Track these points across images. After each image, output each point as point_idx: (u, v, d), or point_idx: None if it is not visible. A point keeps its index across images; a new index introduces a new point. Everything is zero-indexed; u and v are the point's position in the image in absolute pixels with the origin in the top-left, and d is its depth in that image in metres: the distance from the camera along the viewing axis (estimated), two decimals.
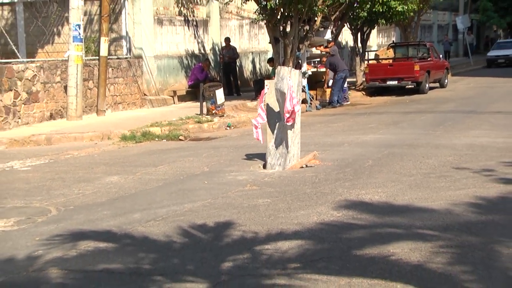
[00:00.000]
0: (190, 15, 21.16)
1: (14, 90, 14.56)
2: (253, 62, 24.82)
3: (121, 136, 13.08)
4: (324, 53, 20.14)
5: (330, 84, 19.23)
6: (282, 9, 17.99)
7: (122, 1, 18.57)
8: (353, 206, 6.68)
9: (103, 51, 16.49)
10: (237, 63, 22.43)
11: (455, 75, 29.32)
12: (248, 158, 10.13)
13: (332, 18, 20.59)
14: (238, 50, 22.25)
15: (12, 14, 19.45)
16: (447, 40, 40.23)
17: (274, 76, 9.21)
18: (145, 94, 19.06)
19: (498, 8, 48.14)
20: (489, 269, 4.69)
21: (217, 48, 22.49)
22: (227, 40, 21.70)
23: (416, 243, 5.33)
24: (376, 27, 25.92)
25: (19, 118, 14.70)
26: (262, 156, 9.60)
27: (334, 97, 19.01)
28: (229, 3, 20.01)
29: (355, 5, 20.38)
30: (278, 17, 18.31)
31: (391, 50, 25.62)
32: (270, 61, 20.47)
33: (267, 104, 9.20)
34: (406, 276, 4.58)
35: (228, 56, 21.45)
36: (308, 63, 20.00)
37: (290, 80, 8.86)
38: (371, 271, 4.71)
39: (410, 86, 22.35)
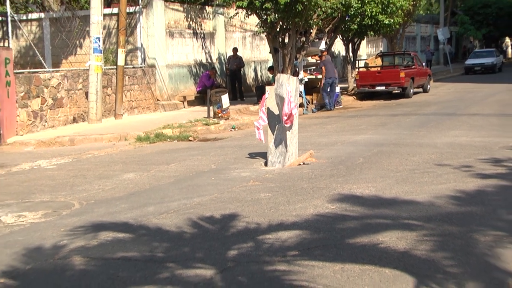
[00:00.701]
0: (198, 28, 21.16)
1: (41, 96, 14.60)
2: (255, 70, 24.80)
3: (136, 137, 13.08)
4: (319, 61, 20.11)
5: (331, 88, 19.17)
6: (281, 23, 18.01)
7: (137, 16, 18.60)
8: (345, 199, 6.68)
9: (120, 61, 16.51)
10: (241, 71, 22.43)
11: (437, 81, 29.28)
12: (251, 156, 10.13)
13: (326, 30, 20.60)
14: None
15: (39, 29, 19.49)
16: (429, 50, 40.20)
17: (274, 83, 9.20)
18: (158, 100, 19.07)
19: (474, 21, 48.35)
20: (468, 255, 4.69)
21: (222, 58, 22.48)
22: (235, 50, 21.70)
23: (402, 232, 5.32)
24: (365, 38, 25.91)
25: (46, 121, 14.72)
26: (263, 155, 9.60)
27: (325, 100, 18.96)
28: (233, 17, 20.04)
29: (346, 18, 20.38)
30: (278, 29, 18.33)
31: (379, 59, 25.63)
32: (270, 69, 20.44)
33: (268, 108, 9.20)
34: (393, 262, 4.58)
35: (236, 64, 21.45)
36: (305, 71, 20.00)
37: (289, 86, 8.86)
38: (362, 257, 4.71)
39: (396, 91, 22.35)
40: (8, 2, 15.41)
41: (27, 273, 4.78)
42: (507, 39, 60.88)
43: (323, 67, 18.99)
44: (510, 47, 62.71)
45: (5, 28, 15.04)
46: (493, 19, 49.08)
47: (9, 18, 14.98)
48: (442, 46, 40.60)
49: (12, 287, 4.52)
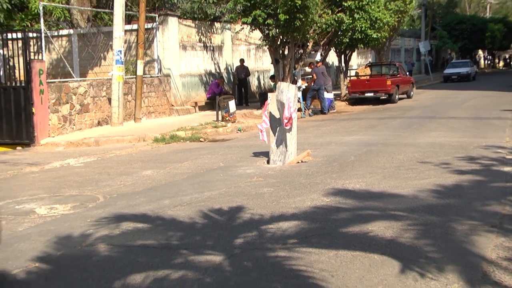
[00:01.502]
0: (208, 42, 21.16)
1: (70, 103, 14.62)
2: (258, 78, 24.78)
3: (153, 139, 13.09)
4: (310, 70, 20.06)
5: (319, 94, 19.10)
6: (281, 37, 18.00)
7: (154, 32, 18.61)
8: (339, 193, 6.67)
9: (139, 71, 16.52)
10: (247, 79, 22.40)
11: (419, 88, 29.19)
12: (255, 155, 10.12)
13: (321, 43, 20.60)
14: None
15: (69, 43, 19.52)
16: (410, 61, 40.08)
17: (276, 90, 9.19)
18: (172, 105, 19.07)
19: (451, 35, 48.56)
20: (447, 242, 4.68)
21: (229, 68, 22.46)
22: (242, 61, 21.68)
23: (389, 222, 5.31)
24: (356, 50, 25.85)
25: (74, 125, 14.74)
26: (266, 154, 9.59)
27: (308, 101, 18.88)
28: (239, 32, 20.05)
29: (339, 33, 20.36)
30: (278, 43, 18.33)
31: (368, 68, 25.55)
32: (272, 77, 20.41)
33: (270, 112, 9.19)
34: (382, 248, 4.57)
35: (244, 73, 21.44)
36: (302, 79, 19.93)
37: (288, 93, 8.85)
38: (354, 244, 4.70)
39: (383, 97, 22.30)
40: (42, 21, 15.55)
41: (59, 258, 4.79)
42: (480, 51, 60.85)
43: (314, 74, 18.99)
44: (482, 58, 62.64)
45: (39, 43, 15.10)
46: (467, 34, 49.25)
47: (43, 35, 15.05)
48: (424, 57, 40.52)
49: (46, 270, 4.53)
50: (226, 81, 21.74)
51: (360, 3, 19.22)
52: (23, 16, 20.03)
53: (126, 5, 16.71)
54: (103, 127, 15.56)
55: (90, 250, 4.95)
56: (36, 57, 14.00)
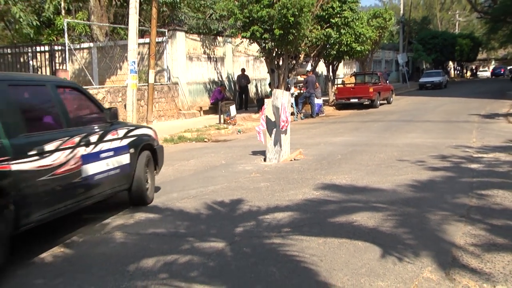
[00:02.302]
0: (211, 54, 21.13)
1: None
2: (256, 86, 24.74)
3: (163, 139, 13.04)
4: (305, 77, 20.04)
5: (310, 100, 19.07)
6: (276, 49, 18.00)
7: (164, 45, 18.59)
8: (327, 187, 6.67)
9: (151, 79, 16.47)
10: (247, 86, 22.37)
11: (398, 95, 29.18)
12: (253, 154, 10.12)
13: (312, 55, 20.56)
14: None
15: (89, 55, 19.50)
16: (386, 71, 40.04)
17: (271, 96, 9.20)
18: (180, 110, 19.05)
19: (426, 48, 48.85)
20: (422, 230, 4.69)
21: (230, 77, 22.43)
22: (243, 70, 21.65)
23: (371, 213, 5.32)
24: (342, 61, 25.84)
25: None
26: (263, 153, 9.59)
27: (299, 106, 18.87)
28: (239, 45, 20.04)
29: (327, 46, 20.36)
30: (274, 54, 18.32)
31: (353, 77, 25.56)
32: (270, 84, 20.39)
33: (266, 116, 9.19)
34: (364, 236, 4.58)
35: (245, 81, 21.43)
36: (295, 87, 19.96)
37: (282, 99, 8.86)
38: (340, 233, 4.70)
39: (366, 103, 22.30)
40: (66, 35, 15.64)
41: (81, 244, 4.79)
42: (450, 63, 60.98)
43: (306, 83, 19.00)
44: (452, 69, 62.80)
45: (63, 55, 15.15)
46: (439, 47, 49.51)
47: (67, 47, 15.09)
48: (401, 68, 40.55)
49: (70, 254, 4.53)
50: (227, 88, 21.72)
51: (346, 20, 19.22)
52: (50, 31, 20.03)
53: (140, 21, 16.69)
54: None
55: (107, 237, 4.95)
56: (60, 67, 13.99)
